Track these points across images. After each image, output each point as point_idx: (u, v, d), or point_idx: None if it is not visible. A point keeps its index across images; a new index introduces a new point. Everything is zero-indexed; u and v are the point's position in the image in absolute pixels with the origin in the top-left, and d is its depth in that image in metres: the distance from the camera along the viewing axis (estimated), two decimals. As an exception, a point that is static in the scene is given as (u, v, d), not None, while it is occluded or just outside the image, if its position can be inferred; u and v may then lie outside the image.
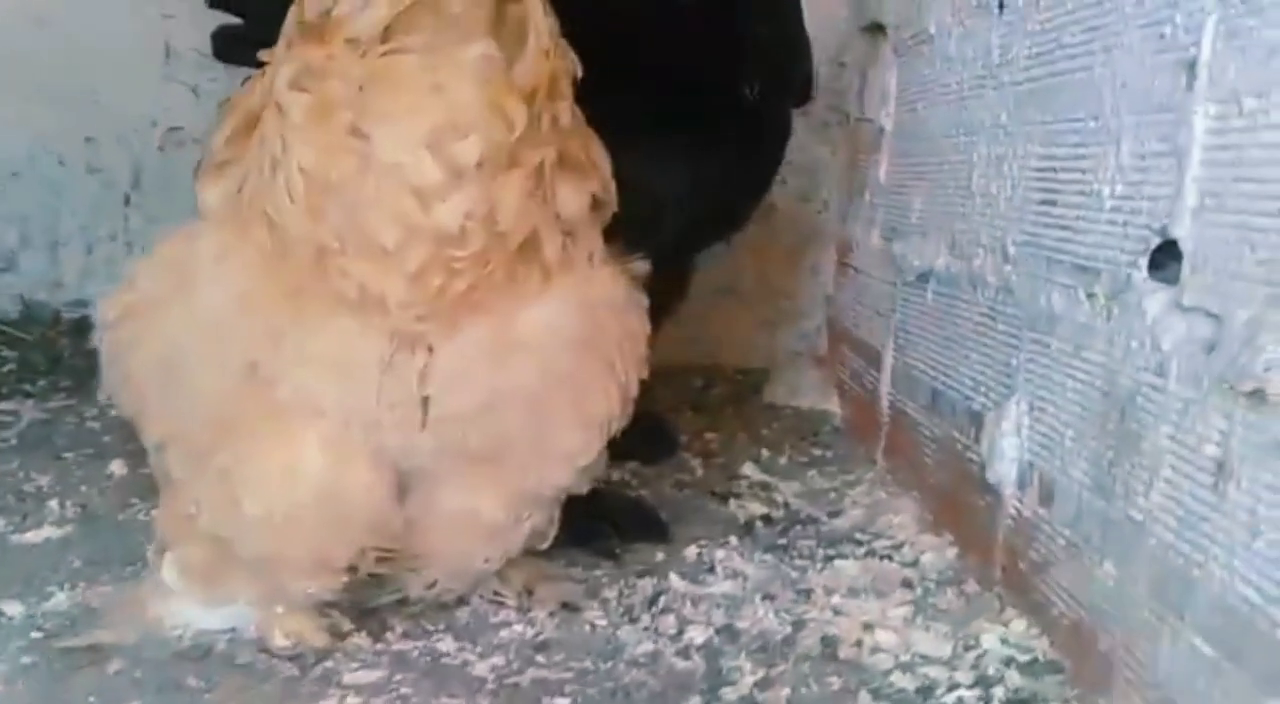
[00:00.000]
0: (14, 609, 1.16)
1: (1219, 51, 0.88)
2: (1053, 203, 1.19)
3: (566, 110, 1.01)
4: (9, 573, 1.25)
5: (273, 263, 0.98)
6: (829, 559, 1.45)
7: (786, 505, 1.71)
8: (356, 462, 0.97)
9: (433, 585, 1.14)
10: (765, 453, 1.96)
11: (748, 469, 1.86)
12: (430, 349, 0.98)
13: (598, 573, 1.37)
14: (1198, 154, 0.90)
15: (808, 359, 2.39)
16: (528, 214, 0.97)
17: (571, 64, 1.01)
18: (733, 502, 1.69)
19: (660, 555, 1.45)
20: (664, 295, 1.60)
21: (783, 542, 1.51)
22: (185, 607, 1.04)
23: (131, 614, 1.06)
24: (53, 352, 2.35)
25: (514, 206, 0.95)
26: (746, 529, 1.58)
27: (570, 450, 1.09)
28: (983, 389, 1.38)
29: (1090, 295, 1.09)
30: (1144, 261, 0.98)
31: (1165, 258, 0.96)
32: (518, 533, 1.13)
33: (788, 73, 1.65)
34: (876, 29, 2.11)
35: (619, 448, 1.73)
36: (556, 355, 1.03)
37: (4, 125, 2.34)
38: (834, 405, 2.21)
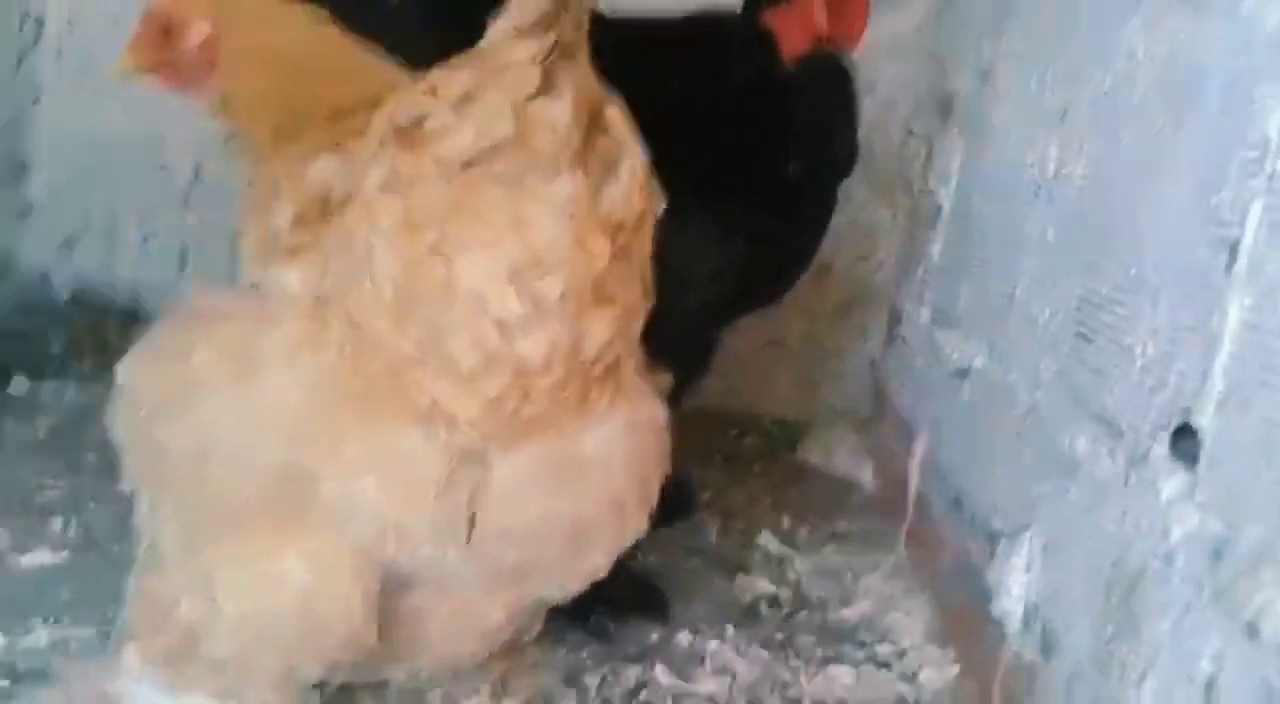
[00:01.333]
0: (-6, 640, 1.17)
1: (1261, 240, 0.83)
2: (1088, 340, 1.15)
3: (649, 242, 0.98)
4: (-3, 597, 1.27)
5: (348, 364, 0.93)
6: (826, 662, 1.43)
7: (797, 585, 1.69)
8: (340, 575, 0.95)
9: (416, 673, 1.12)
10: (787, 521, 1.93)
11: (765, 539, 1.84)
12: (488, 465, 0.94)
13: (583, 654, 1.36)
14: (1229, 344, 0.85)
15: (847, 421, 2.35)
16: (613, 346, 0.95)
17: (658, 199, 0.97)
18: (741, 577, 1.67)
19: (654, 637, 1.44)
20: (687, 367, 1.58)
21: (781, 635, 1.48)
22: (146, 693, 1.03)
23: (90, 692, 1.06)
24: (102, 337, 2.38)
25: (602, 341, 0.93)
26: (749, 614, 1.55)
27: (595, 568, 1.05)
28: (1002, 512, 1.34)
29: (1111, 452, 1.05)
30: (1166, 438, 0.94)
31: (1187, 438, 0.91)
32: (511, 630, 1.11)
33: (833, 152, 1.61)
34: (947, 104, 2.05)
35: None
36: (613, 476, 1.00)
37: (75, 115, 2.37)
38: (867, 475, 2.17)
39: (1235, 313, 0.85)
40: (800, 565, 1.75)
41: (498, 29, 0.87)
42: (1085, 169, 1.24)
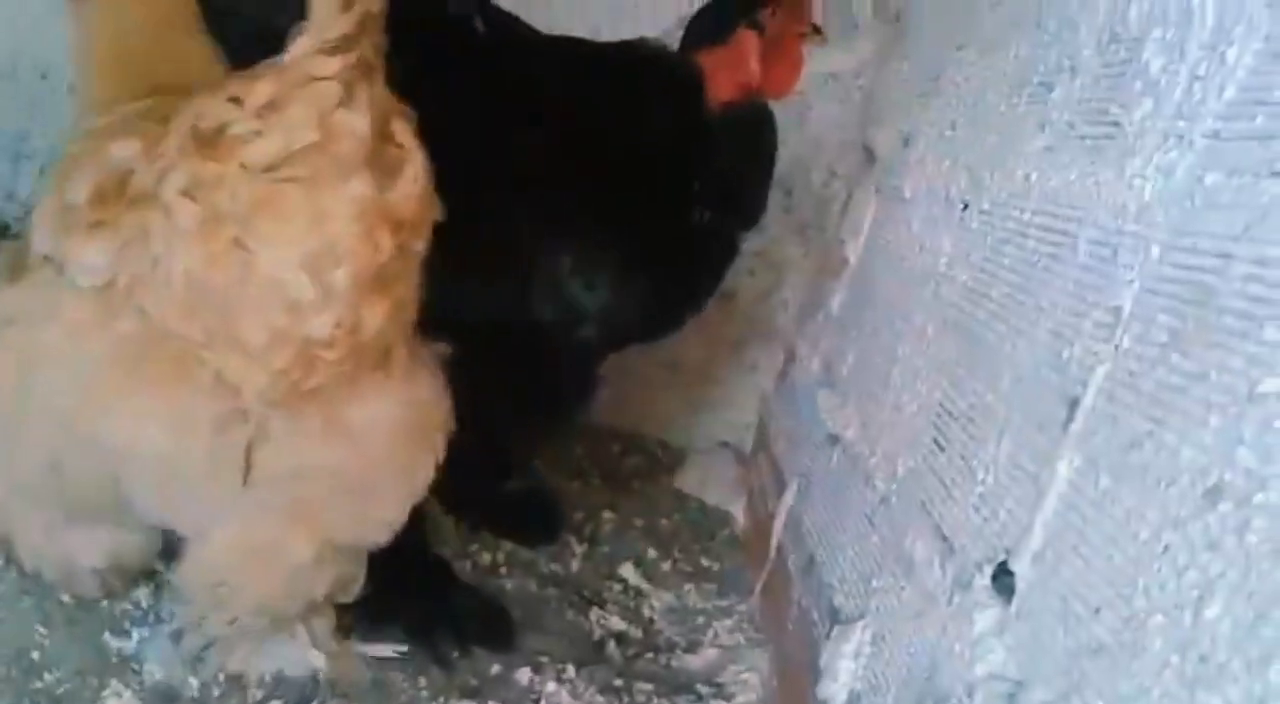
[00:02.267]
0: None
1: (1099, 407, 0.86)
2: (941, 449, 1.17)
3: (425, 243, 1.12)
4: None
5: (131, 348, 1.05)
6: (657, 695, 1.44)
7: (649, 624, 1.71)
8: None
9: (233, 621, 1.20)
10: (652, 552, 1.95)
11: (626, 571, 1.85)
12: (265, 424, 1.09)
13: (421, 684, 1.36)
14: (1052, 500, 0.88)
15: (730, 453, 2.37)
16: (386, 332, 1.10)
17: (436, 205, 1.12)
18: (595, 612, 1.68)
19: (494, 669, 1.44)
20: (573, 395, 1.58)
21: (620, 680, 1.49)
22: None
23: None
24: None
25: (377, 325, 1.07)
26: (595, 651, 1.57)
27: (387, 518, 1.22)
28: (844, 590, 1.37)
29: (943, 567, 1.07)
30: (989, 571, 0.96)
31: (1006, 578, 0.94)
32: (321, 577, 1.21)
33: (742, 204, 1.61)
34: (870, 152, 2.07)
35: (501, 525, 1.74)
36: (379, 442, 1.16)
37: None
38: (739, 511, 2.20)
39: (1063, 471, 0.88)
40: (655, 602, 1.78)
41: (300, 45, 0.98)
42: (969, 276, 1.26)
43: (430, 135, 1.39)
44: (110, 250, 1.04)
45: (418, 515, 1.52)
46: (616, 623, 1.67)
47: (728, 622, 1.76)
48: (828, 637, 1.35)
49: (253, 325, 1.02)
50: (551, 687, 1.42)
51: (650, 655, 1.60)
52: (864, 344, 1.67)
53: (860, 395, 1.58)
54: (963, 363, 1.19)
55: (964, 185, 1.41)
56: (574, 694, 1.43)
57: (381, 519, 1.22)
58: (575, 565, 1.82)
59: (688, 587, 1.86)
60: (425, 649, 1.41)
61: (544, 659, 1.48)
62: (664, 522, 2.10)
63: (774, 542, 1.83)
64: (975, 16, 1.59)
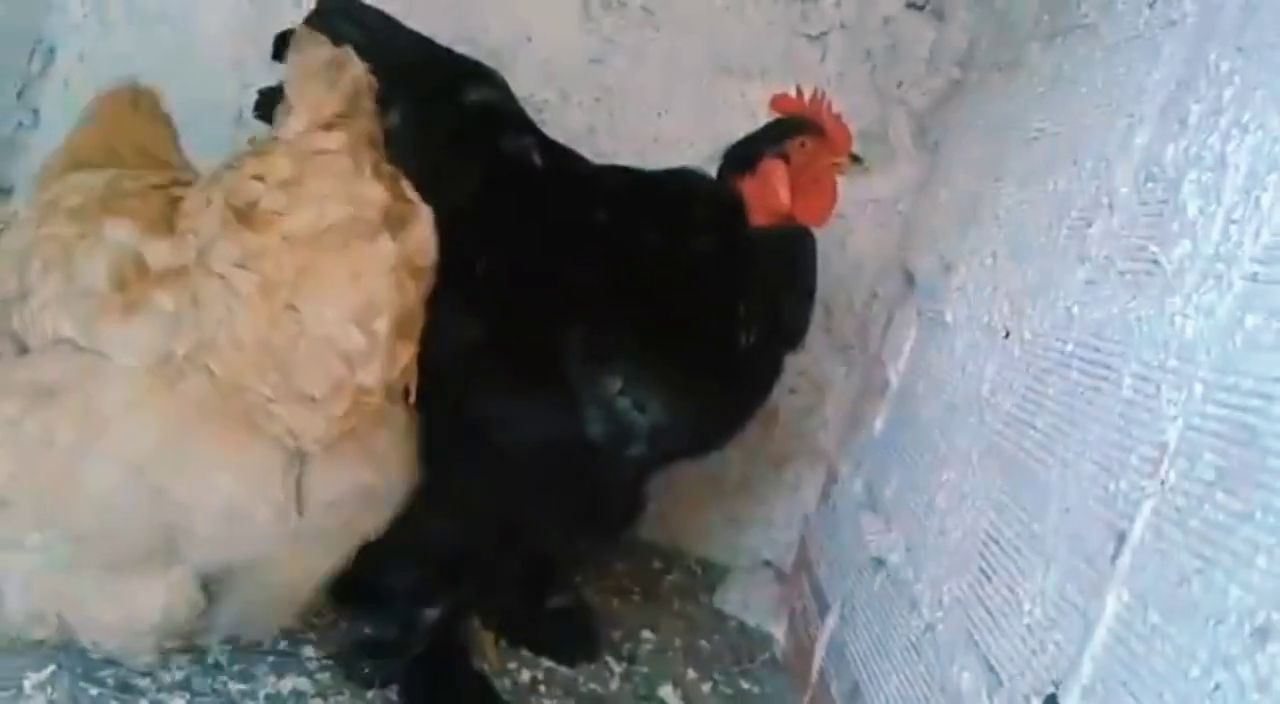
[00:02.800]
0: None
1: (1146, 543, 0.87)
2: (988, 578, 1.17)
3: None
4: None
5: (201, 407, 1.15)
6: None
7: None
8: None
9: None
10: (692, 674, 1.93)
11: (665, 692, 1.83)
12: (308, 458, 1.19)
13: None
14: (1102, 634, 0.88)
15: (771, 573, 2.36)
16: (409, 368, 1.24)
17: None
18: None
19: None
20: (621, 512, 1.59)
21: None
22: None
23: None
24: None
25: (404, 365, 1.21)
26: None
27: (371, 531, 1.31)
28: (890, 719, 1.35)
29: (991, 699, 1.06)
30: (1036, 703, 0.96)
31: (1057, 711, 0.93)
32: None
33: (784, 324, 1.64)
34: (911, 278, 2.11)
35: (540, 642, 1.73)
36: (393, 463, 1.29)
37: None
38: (780, 632, 2.17)
39: (1112, 606, 0.88)
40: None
41: (295, 122, 1.13)
42: (1012, 404, 1.28)
43: (491, 262, 1.46)
44: (160, 327, 1.14)
45: (459, 630, 1.54)
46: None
47: (769, 747, 1.73)
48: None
49: (314, 377, 1.14)
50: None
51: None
52: (907, 467, 1.68)
53: (904, 519, 1.58)
54: (1008, 491, 1.20)
55: (1006, 313, 1.43)
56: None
57: (366, 533, 1.33)
58: (614, 685, 1.81)
59: (723, 711, 1.84)
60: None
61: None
62: (703, 642, 2.09)
63: (815, 666, 1.81)
64: (1012, 148, 1.64)
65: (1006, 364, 1.36)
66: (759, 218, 1.62)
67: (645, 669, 1.90)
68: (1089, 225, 1.23)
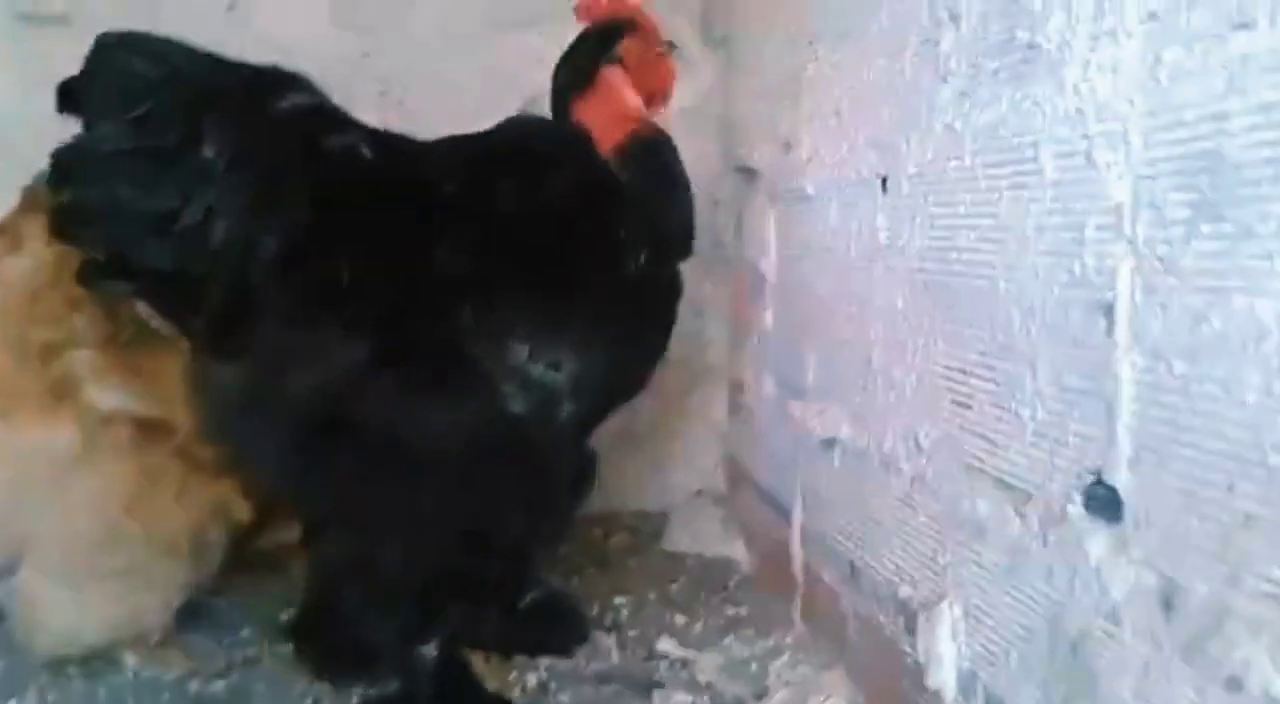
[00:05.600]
0: None
1: (1139, 303, 0.87)
2: (967, 406, 1.17)
3: None
4: None
5: None
6: (769, 765, 1.38)
7: (710, 687, 1.64)
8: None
9: None
10: (680, 619, 1.89)
11: (665, 645, 1.79)
12: None
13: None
14: (1128, 404, 0.88)
15: (707, 500, 2.34)
16: None
17: None
18: (656, 695, 1.61)
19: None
20: (578, 478, 1.53)
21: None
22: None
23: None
24: None
25: None
26: (675, 731, 1.50)
27: None
28: (909, 578, 1.35)
29: (1021, 514, 1.06)
30: (1079, 497, 0.95)
31: (1104, 496, 0.93)
32: None
33: (671, 231, 1.60)
34: (748, 171, 2.10)
35: (530, 642, 1.66)
36: None
37: None
38: (738, 552, 2.16)
39: (1127, 374, 0.88)
40: (707, 664, 1.71)
41: None
42: (922, 240, 1.28)
43: (353, 270, 1.35)
44: None
45: (460, 657, 1.45)
46: (681, 697, 1.60)
47: (783, 659, 1.71)
48: (909, 632, 1.32)
49: None
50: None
51: (735, 716, 1.54)
52: (820, 344, 1.67)
53: (840, 392, 1.57)
54: (953, 319, 1.19)
55: (874, 162, 1.43)
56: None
57: None
58: (614, 656, 1.75)
59: (729, 640, 1.81)
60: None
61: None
62: (673, 587, 2.05)
63: (797, 566, 1.80)
64: (817, 7, 1.64)
65: (897, 206, 1.36)
66: (610, 135, 1.56)
67: (634, 632, 1.85)
68: (937, 44, 1.23)
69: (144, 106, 1.26)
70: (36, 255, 1.64)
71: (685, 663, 1.73)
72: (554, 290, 1.47)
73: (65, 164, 1.28)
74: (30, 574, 1.56)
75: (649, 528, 2.34)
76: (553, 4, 2.26)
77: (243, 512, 1.65)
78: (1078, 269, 0.94)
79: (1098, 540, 0.93)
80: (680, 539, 2.23)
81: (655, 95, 1.64)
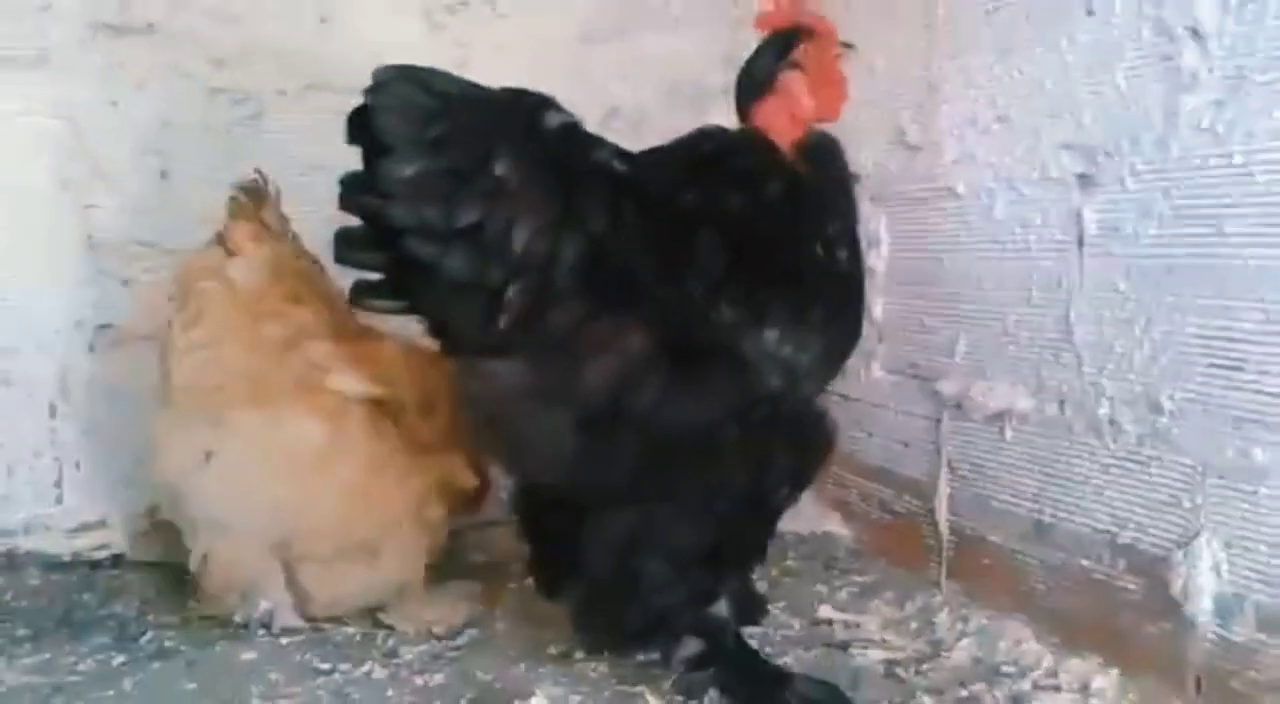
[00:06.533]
0: None
1: None
2: (1237, 369, 1.37)
3: None
4: None
5: None
6: (1015, 700, 1.55)
7: (885, 643, 1.79)
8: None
9: None
10: (821, 589, 2.03)
11: (825, 611, 1.92)
12: None
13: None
14: None
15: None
16: None
17: None
18: (854, 650, 1.75)
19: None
20: (822, 446, 1.65)
21: (963, 692, 1.58)
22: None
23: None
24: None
25: None
26: (896, 683, 1.63)
27: None
28: (1133, 524, 1.54)
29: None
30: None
31: None
32: None
33: (849, 225, 1.73)
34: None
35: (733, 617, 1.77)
36: None
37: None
38: (838, 527, 2.32)
39: None
40: (871, 624, 1.86)
41: None
42: (1152, 227, 1.48)
43: (644, 271, 1.45)
44: None
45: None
46: (875, 653, 1.74)
47: (943, 615, 1.87)
48: (1132, 572, 1.52)
49: None
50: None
51: (932, 665, 1.68)
52: (969, 326, 1.85)
53: (1014, 366, 1.76)
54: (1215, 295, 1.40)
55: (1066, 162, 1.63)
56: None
57: None
58: (797, 626, 1.86)
59: (875, 603, 1.96)
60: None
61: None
62: (792, 563, 2.19)
63: (943, 527, 1.97)
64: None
65: (1105, 197, 1.55)
66: (786, 133, 1.68)
67: (784, 604, 1.97)
68: (1171, 61, 1.44)
69: (437, 130, 1.33)
70: (251, 258, 1.70)
71: (851, 625, 1.88)
72: (789, 283, 1.59)
73: (371, 182, 1.33)
74: (293, 554, 1.75)
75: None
76: (635, 19, 2.41)
77: (468, 481, 1.81)
78: None
79: None
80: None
81: (830, 101, 1.76)
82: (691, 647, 1.51)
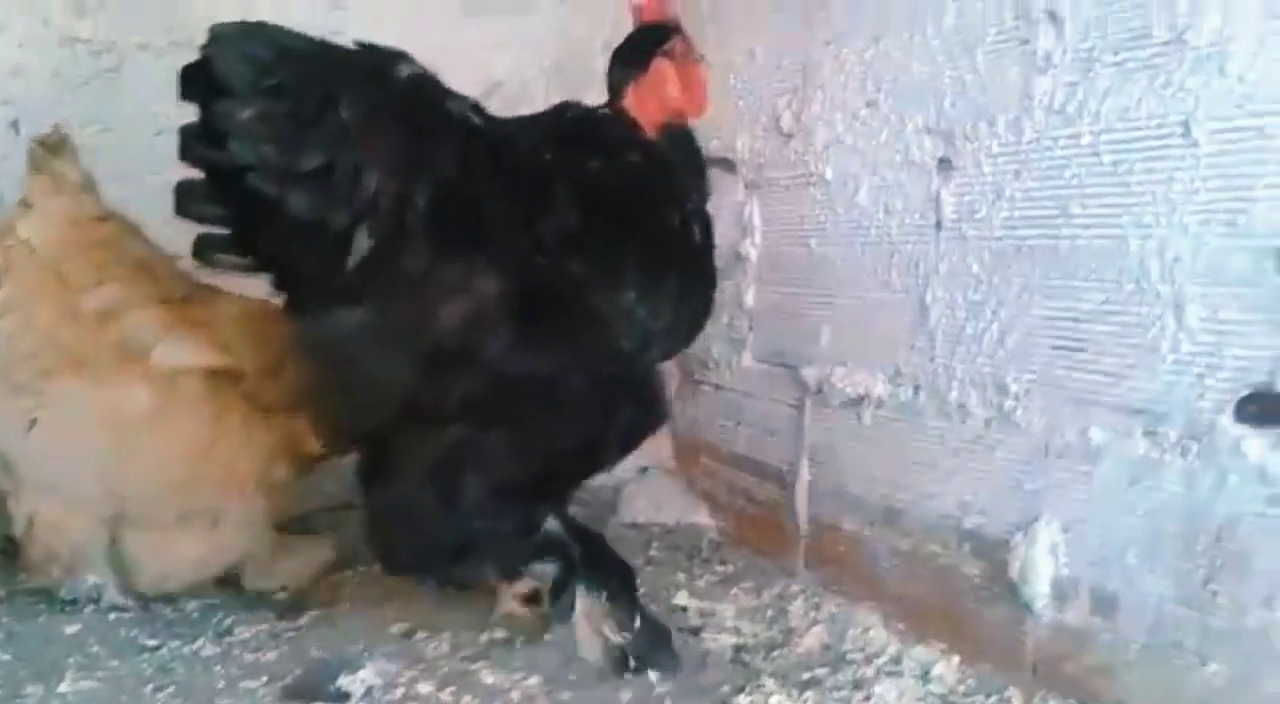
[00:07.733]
0: None
1: (1313, 246, 1.10)
2: (1078, 350, 1.38)
3: None
4: None
5: None
6: (856, 686, 1.52)
7: (738, 630, 1.77)
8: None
9: None
10: (681, 577, 1.99)
11: (681, 599, 1.89)
12: None
13: None
14: None
15: (654, 474, 2.45)
16: None
17: None
18: (706, 635, 1.72)
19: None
20: (655, 415, 1.65)
21: (806, 675, 1.55)
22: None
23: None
24: None
25: None
26: (741, 668, 1.60)
27: None
28: (977, 509, 1.54)
29: (1149, 434, 1.28)
30: (1230, 410, 1.18)
31: (1258, 405, 1.16)
32: None
33: (701, 208, 1.72)
34: (719, 162, 2.24)
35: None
36: None
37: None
38: (703, 518, 2.29)
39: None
40: (727, 611, 1.83)
41: None
42: (1004, 210, 1.48)
43: (493, 218, 1.42)
44: None
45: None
46: (726, 638, 1.72)
47: (797, 603, 1.85)
48: (976, 557, 1.52)
49: None
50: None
51: (781, 652, 1.66)
52: (835, 314, 1.85)
53: (871, 353, 1.75)
54: (1058, 276, 1.40)
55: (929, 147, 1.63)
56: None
57: None
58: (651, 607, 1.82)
59: (734, 592, 1.93)
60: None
61: (726, 688, 1.52)
62: (655, 553, 2.15)
63: (801, 516, 1.95)
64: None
65: (963, 183, 1.55)
66: (653, 116, 1.67)
67: (643, 589, 1.93)
68: (1026, 44, 1.44)
69: (278, 78, 1.29)
70: (44, 211, 1.65)
71: (705, 612, 1.84)
72: (647, 248, 1.57)
73: (210, 129, 1.28)
74: (126, 522, 1.69)
75: (602, 502, 2.41)
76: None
77: (313, 445, 1.74)
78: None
79: (1255, 445, 1.16)
80: (641, 510, 2.33)
81: (693, 97, 1.74)
82: (551, 571, 1.57)
